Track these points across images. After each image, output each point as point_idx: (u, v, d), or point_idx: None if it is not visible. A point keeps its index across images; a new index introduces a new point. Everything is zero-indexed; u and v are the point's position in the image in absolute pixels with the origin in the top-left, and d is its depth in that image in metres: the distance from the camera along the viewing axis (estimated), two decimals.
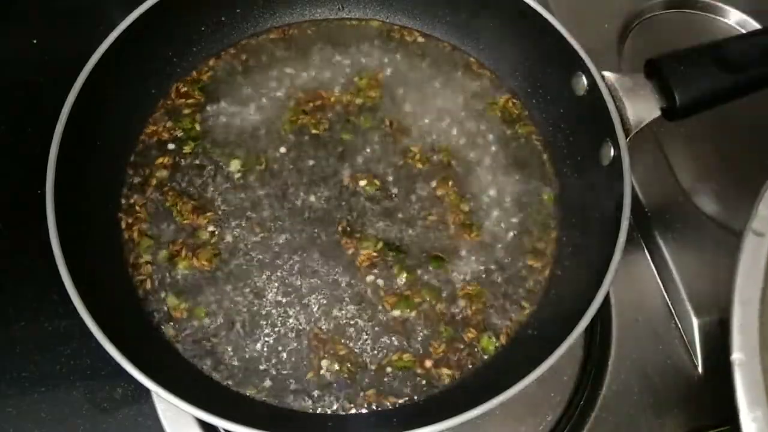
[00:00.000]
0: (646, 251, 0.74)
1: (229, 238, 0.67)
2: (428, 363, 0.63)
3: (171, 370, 0.61)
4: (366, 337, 0.64)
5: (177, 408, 0.53)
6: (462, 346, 0.64)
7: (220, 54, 0.75)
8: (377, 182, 0.70)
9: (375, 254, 0.66)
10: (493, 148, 0.72)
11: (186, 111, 0.72)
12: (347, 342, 0.63)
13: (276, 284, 0.65)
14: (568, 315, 0.57)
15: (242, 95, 0.73)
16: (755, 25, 0.88)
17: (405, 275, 0.66)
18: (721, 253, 0.72)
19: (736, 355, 0.47)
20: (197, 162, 0.70)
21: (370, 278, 0.66)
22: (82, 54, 0.63)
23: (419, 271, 0.66)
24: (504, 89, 0.76)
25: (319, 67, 0.76)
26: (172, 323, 0.63)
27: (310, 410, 0.61)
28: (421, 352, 0.63)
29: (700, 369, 0.69)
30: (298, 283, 0.65)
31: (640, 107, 0.63)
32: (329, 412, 0.61)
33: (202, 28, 0.74)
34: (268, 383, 0.62)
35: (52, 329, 0.69)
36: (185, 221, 0.67)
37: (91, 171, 0.65)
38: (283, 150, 0.71)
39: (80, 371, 0.68)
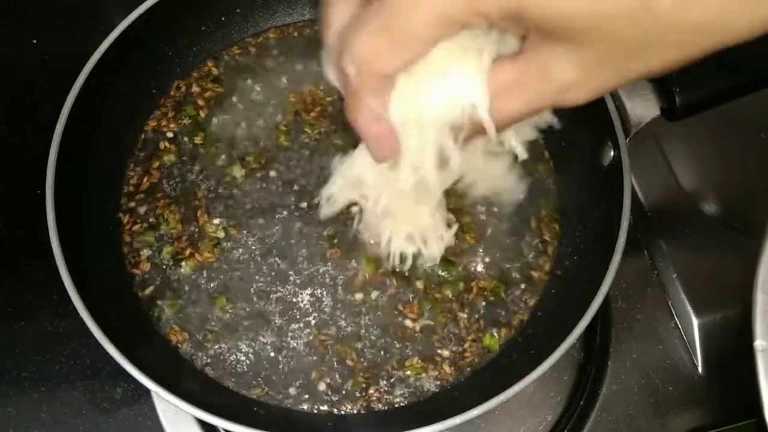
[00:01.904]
0: (646, 251, 0.74)
1: (230, 238, 0.67)
2: (428, 364, 0.63)
3: (171, 370, 0.61)
4: (367, 339, 0.64)
5: (177, 408, 0.53)
6: (462, 347, 0.64)
7: (220, 53, 0.75)
8: None
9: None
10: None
11: (188, 108, 0.72)
12: (348, 343, 0.63)
13: (278, 285, 0.65)
14: (568, 315, 0.57)
15: (241, 95, 0.73)
16: None
17: (403, 276, 0.66)
18: (721, 253, 0.72)
19: (759, 342, 0.47)
20: (196, 162, 0.70)
21: (370, 282, 0.65)
22: (82, 54, 0.63)
23: (417, 274, 0.66)
24: None
25: (318, 68, 0.75)
26: (172, 323, 0.63)
27: (311, 410, 0.61)
28: (421, 353, 0.63)
29: (700, 369, 0.69)
30: (300, 284, 0.65)
31: (640, 107, 0.63)
32: (329, 412, 0.61)
33: (203, 28, 0.74)
34: (268, 383, 0.62)
35: (52, 329, 0.69)
36: (185, 220, 0.67)
37: (91, 171, 0.65)
38: (282, 151, 0.71)
39: (80, 371, 0.68)
